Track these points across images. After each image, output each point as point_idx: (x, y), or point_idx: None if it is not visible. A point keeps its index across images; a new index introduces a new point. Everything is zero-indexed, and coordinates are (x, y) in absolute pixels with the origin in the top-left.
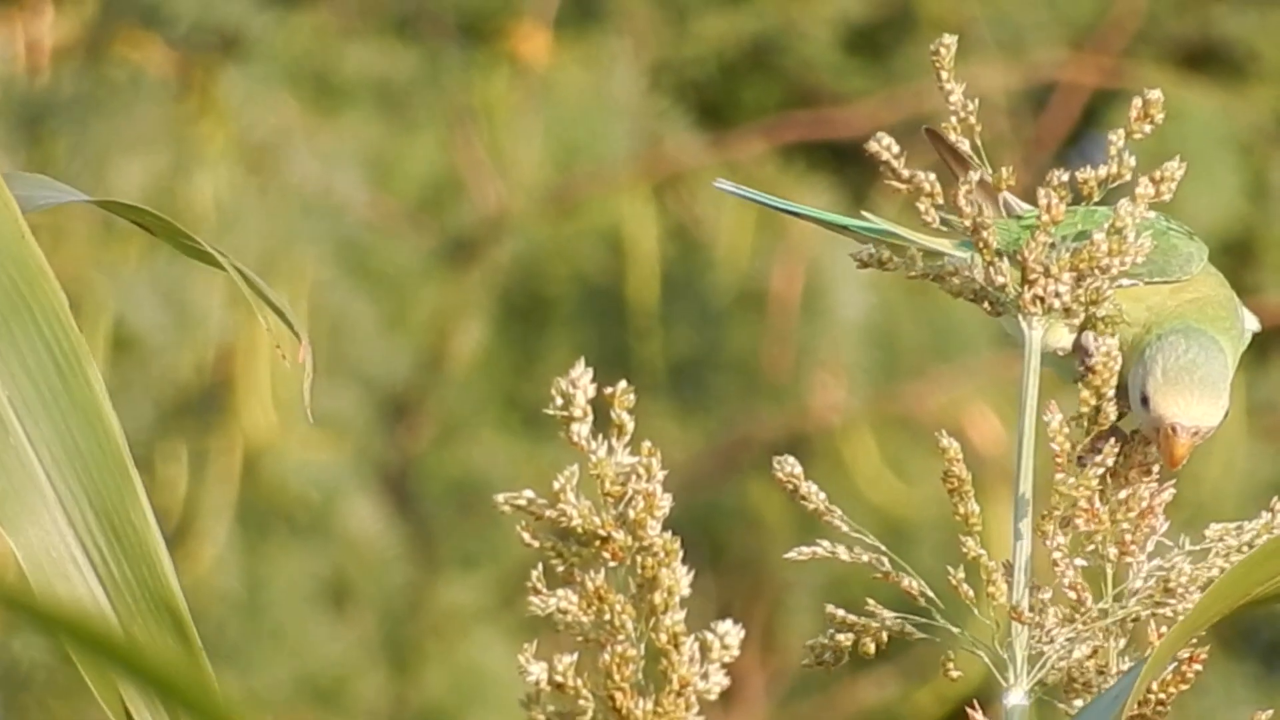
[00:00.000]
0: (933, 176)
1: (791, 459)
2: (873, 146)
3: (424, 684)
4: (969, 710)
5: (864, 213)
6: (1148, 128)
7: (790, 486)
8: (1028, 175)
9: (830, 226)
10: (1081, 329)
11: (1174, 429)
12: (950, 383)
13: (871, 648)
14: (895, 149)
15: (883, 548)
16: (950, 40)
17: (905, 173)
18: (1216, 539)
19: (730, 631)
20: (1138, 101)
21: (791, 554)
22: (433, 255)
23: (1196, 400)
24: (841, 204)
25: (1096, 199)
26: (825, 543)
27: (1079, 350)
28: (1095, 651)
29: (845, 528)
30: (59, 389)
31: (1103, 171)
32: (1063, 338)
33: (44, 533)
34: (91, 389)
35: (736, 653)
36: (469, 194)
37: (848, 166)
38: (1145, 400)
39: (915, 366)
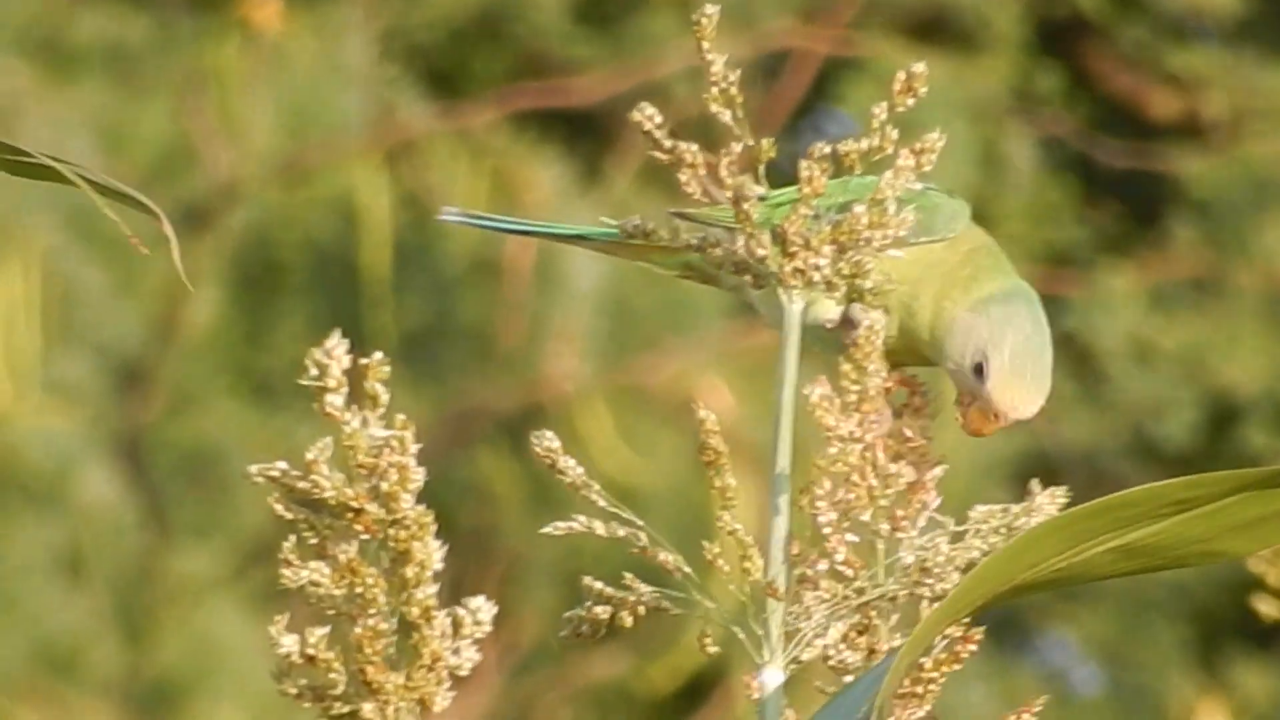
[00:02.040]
0: (695, 147)
1: (549, 433)
2: (635, 116)
3: (158, 653)
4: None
5: (602, 219)
6: (910, 100)
7: (549, 461)
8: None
9: (568, 240)
10: (849, 300)
11: (997, 415)
12: (682, 354)
13: (629, 621)
14: (657, 118)
15: (639, 522)
16: (713, 10)
17: (667, 143)
18: (981, 520)
19: (482, 607)
20: (901, 74)
21: (548, 529)
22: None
23: (1033, 396)
24: (573, 174)
25: (859, 171)
26: (581, 517)
27: (846, 323)
28: (863, 630)
29: (602, 502)
30: None
31: (865, 144)
32: (829, 310)
33: None
34: None
35: (489, 628)
36: (201, 162)
37: (580, 136)
38: (981, 373)
39: (648, 337)
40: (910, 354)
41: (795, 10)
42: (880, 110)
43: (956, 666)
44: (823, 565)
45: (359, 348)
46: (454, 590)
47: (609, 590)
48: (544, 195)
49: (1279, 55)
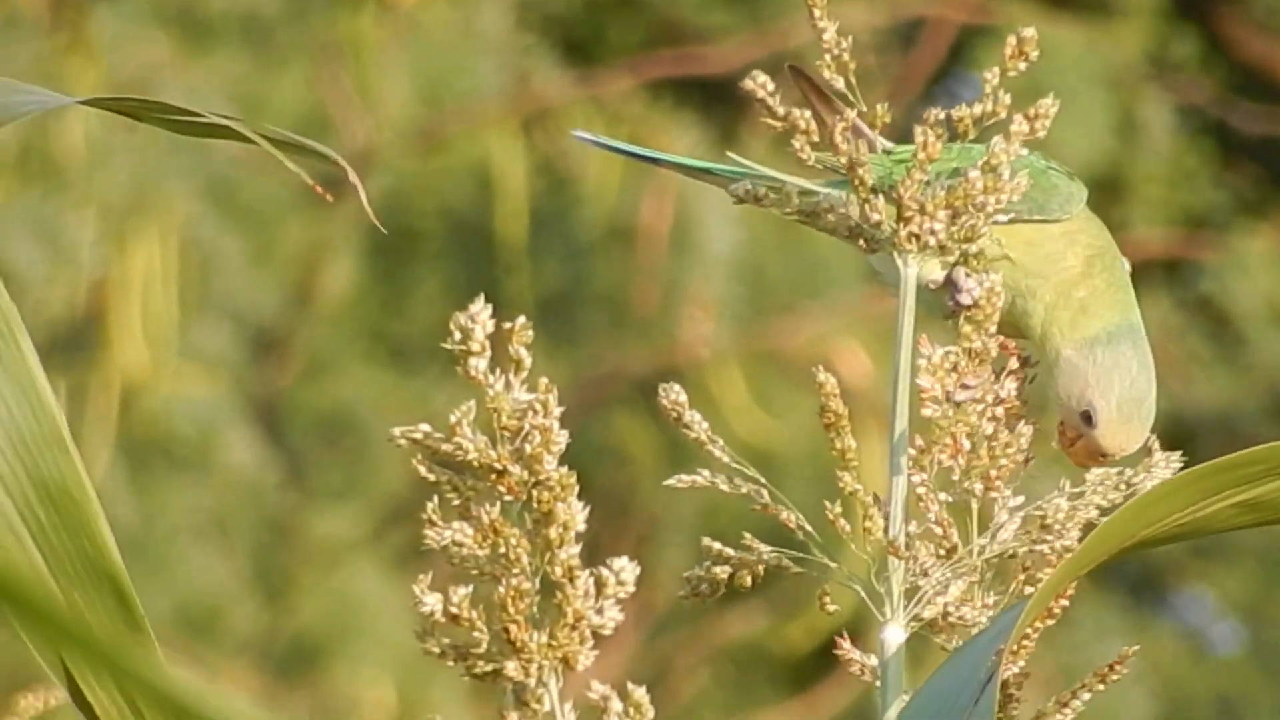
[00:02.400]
0: (808, 114)
1: (676, 386)
2: (748, 84)
3: (298, 613)
4: (838, 641)
5: (729, 154)
6: (1022, 65)
7: (674, 414)
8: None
9: (694, 173)
10: (953, 264)
11: (1104, 455)
12: (818, 319)
13: (748, 580)
14: (770, 86)
15: (762, 480)
16: None
17: (780, 110)
18: (1098, 481)
19: (626, 568)
20: (1012, 39)
21: (671, 481)
22: (299, 191)
23: (1139, 436)
24: (709, 141)
25: (972, 136)
26: (705, 472)
27: (949, 285)
28: (969, 588)
29: (726, 458)
30: None
31: (978, 109)
32: (934, 271)
33: None
34: (25, 360)
35: (632, 589)
36: (337, 130)
37: (714, 104)
38: (1090, 420)
39: (783, 302)
40: (1009, 329)
41: None
42: (993, 75)
43: (1050, 622)
44: (933, 524)
45: (495, 314)
46: (591, 551)
47: (728, 550)
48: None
49: None
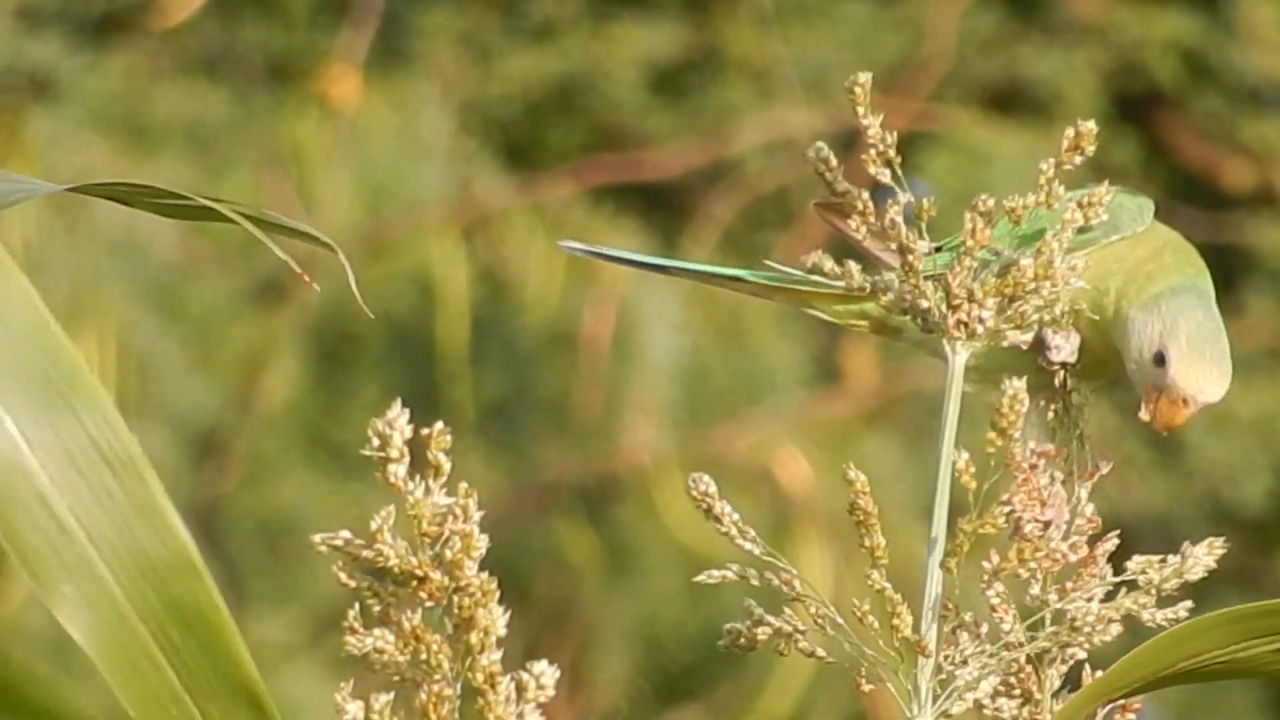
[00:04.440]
0: (865, 194)
1: (706, 477)
2: (809, 155)
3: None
4: None
5: (766, 261)
6: (1078, 159)
7: (705, 505)
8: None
9: (720, 281)
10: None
11: (1185, 400)
12: (759, 425)
13: (782, 649)
14: (833, 161)
15: (793, 570)
16: (865, 77)
17: (841, 186)
18: (1139, 571)
19: (545, 672)
20: (1070, 131)
21: (702, 577)
22: (241, 295)
23: (1217, 376)
24: (650, 246)
25: (1023, 227)
26: (735, 565)
27: (1039, 345)
28: (1010, 685)
29: (757, 550)
30: (115, 490)
31: (1031, 199)
32: (1020, 333)
33: (113, 629)
34: (149, 489)
35: (552, 693)
36: (279, 235)
37: (656, 210)
38: (1162, 360)
39: (725, 408)
40: (1106, 365)
41: (874, 83)
42: (1048, 166)
43: None
44: (978, 625)
45: (436, 420)
46: (529, 658)
47: (770, 618)
48: (620, 269)
49: None
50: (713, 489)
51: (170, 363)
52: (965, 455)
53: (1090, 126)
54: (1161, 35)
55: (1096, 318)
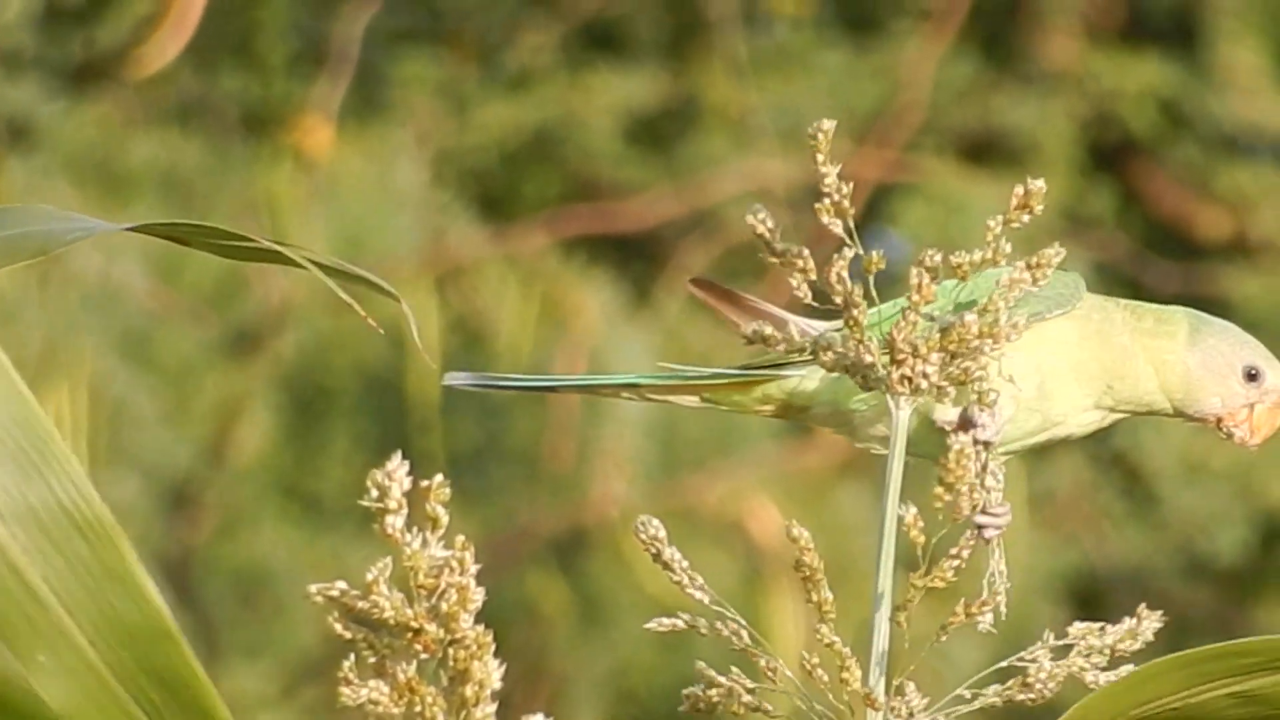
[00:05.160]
0: (806, 251)
1: (655, 521)
2: (749, 219)
3: None
4: None
5: (660, 365)
6: (1026, 217)
7: (653, 550)
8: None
9: (614, 390)
10: (969, 400)
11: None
12: (731, 476)
13: (738, 708)
14: (770, 223)
15: (743, 621)
16: (830, 124)
17: (779, 246)
18: (1079, 637)
19: None
20: (1019, 189)
21: (651, 624)
22: (215, 346)
23: None
24: (622, 298)
25: (969, 281)
26: (686, 615)
27: (964, 424)
28: None
29: (706, 599)
30: (89, 558)
31: (977, 255)
32: (946, 412)
33: (91, 695)
34: (122, 556)
35: None
36: (253, 287)
37: (630, 260)
38: (1257, 374)
39: (697, 459)
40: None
41: (848, 133)
42: (995, 223)
43: None
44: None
45: (409, 471)
46: (502, 710)
47: (720, 678)
48: (593, 320)
49: None
50: (661, 533)
51: (143, 413)
52: (914, 510)
53: (1039, 185)
54: (1137, 84)
55: (1168, 405)
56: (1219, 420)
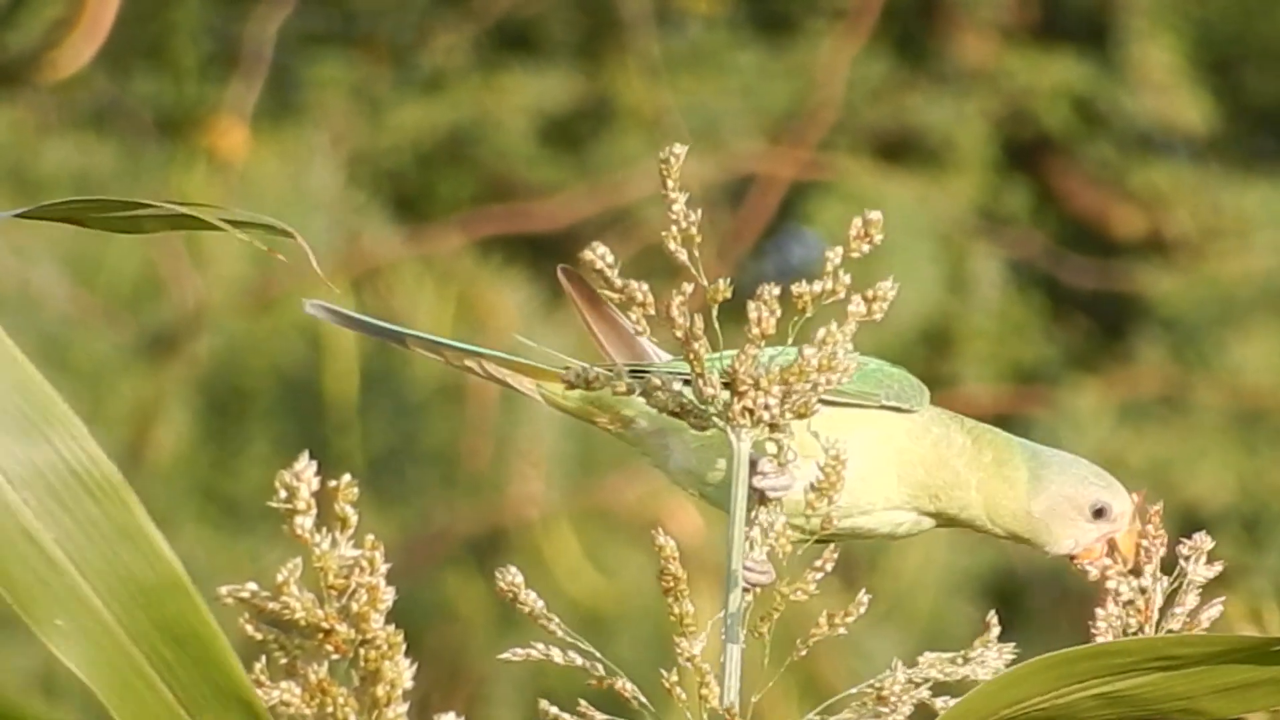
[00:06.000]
0: (645, 286)
1: (514, 569)
2: (588, 255)
3: None
4: None
5: (519, 337)
6: (866, 247)
7: (510, 595)
8: (724, 268)
9: (457, 354)
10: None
11: (1135, 526)
12: (649, 476)
13: None
14: (609, 258)
15: (596, 653)
16: (681, 150)
17: (619, 282)
18: (930, 665)
19: None
20: (858, 222)
21: (506, 655)
22: (131, 349)
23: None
24: (540, 297)
25: (810, 313)
26: (540, 645)
27: (752, 465)
28: None
29: (560, 632)
30: (98, 517)
31: (817, 287)
32: (744, 448)
33: (107, 655)
34: (132, 513)
35: None
36: (168, 290)
37: (546, 259)
38: (1104, 510)
39: (614, 459)
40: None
41: (763, 132)
42: (835, 255)
43: None
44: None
45: (325, 472)
46: (420, 711)
47: (565, 716)
48: (509, 320)
49: (1244, 171)
50: (519, 579)
51: None
52: (781, 519)
53: (876, 216)
54: (1051, 82)
55: (1004, 534)
56: (1073, 558)
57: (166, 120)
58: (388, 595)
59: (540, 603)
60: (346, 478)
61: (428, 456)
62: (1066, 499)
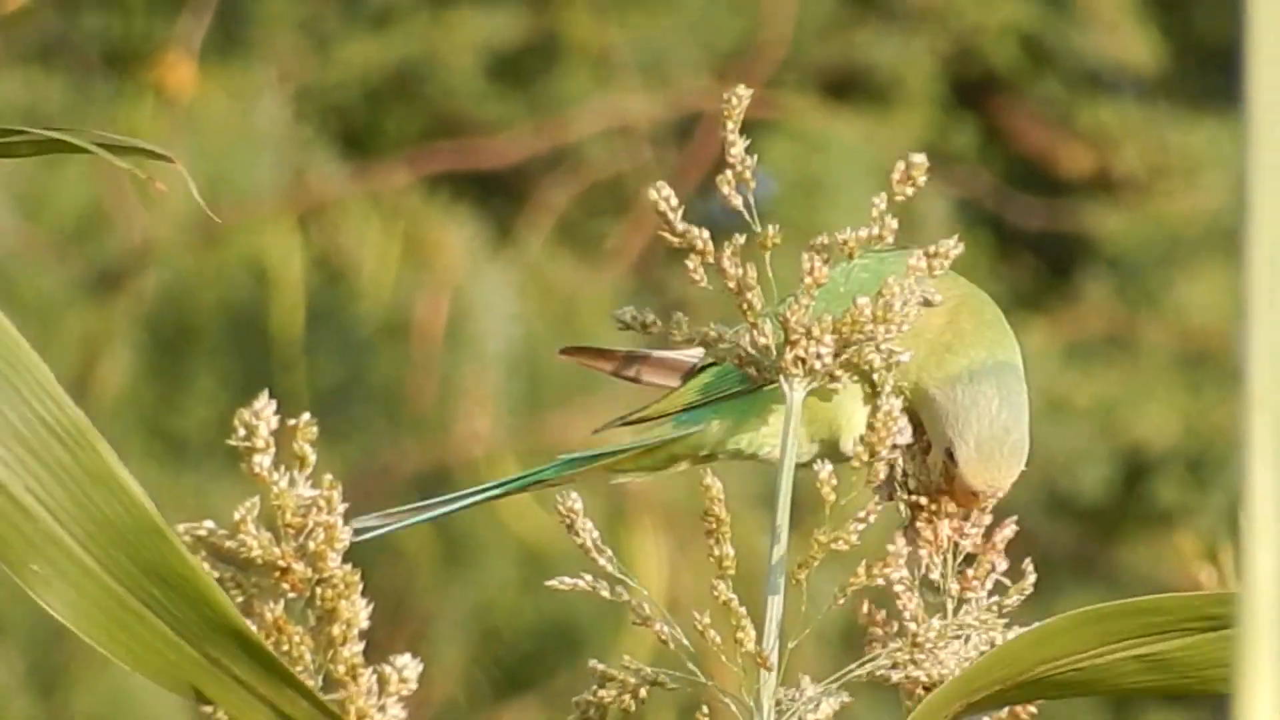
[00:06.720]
0: (706, 234)
1: (574, 494)
2: (651, 195)
3: (72, 707)
4: None
5: (561, 456)
6: (910, 190)
7: (568, 521)
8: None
9: (523, 488)
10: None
11: (976, 494)
12: (595, 414)
13: (630, 704)
14: (674, 200)
15: (645, 591)
16: (745, 92)
17: (680, 226)
18: (973, 607)
19: (409, 665)
20: (901, 164)
21: (553, 582)
22: (78, 284)
23: (1005, 472)
24: (485, 235)
25: (857, 259)
26: (587, 576)
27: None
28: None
29: (611, 568)
30: (70, 465)
31: (864, 233)
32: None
33: (91, 597)
34: (104, 460)
35: (414, 686)
36: (115, 225)
37: (492, 197)
38: (952, 459)
39: (559, 396)
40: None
41: (710, 69)
42: (880, 200)
43: None
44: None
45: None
46: (367, 649)
47: (612, 671)
48: (455, 257)
49: (1191, 110)
50: (579, 505)
51: None
52: (829, 468)
53: (922, 159)
54: (999, 19)
55: (905, 387)
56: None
57: (114, 55)
58: (345, 535)
59: (595, 534)
60: (306, 416)
61: (373, 393)
62: (945, 418)
